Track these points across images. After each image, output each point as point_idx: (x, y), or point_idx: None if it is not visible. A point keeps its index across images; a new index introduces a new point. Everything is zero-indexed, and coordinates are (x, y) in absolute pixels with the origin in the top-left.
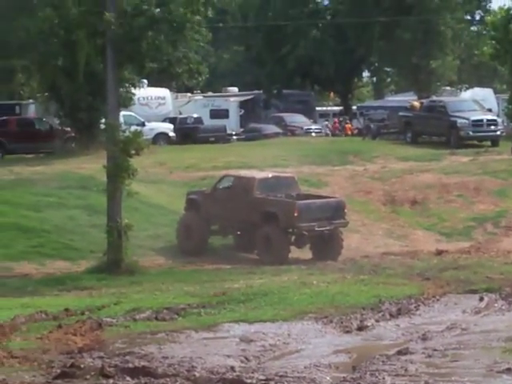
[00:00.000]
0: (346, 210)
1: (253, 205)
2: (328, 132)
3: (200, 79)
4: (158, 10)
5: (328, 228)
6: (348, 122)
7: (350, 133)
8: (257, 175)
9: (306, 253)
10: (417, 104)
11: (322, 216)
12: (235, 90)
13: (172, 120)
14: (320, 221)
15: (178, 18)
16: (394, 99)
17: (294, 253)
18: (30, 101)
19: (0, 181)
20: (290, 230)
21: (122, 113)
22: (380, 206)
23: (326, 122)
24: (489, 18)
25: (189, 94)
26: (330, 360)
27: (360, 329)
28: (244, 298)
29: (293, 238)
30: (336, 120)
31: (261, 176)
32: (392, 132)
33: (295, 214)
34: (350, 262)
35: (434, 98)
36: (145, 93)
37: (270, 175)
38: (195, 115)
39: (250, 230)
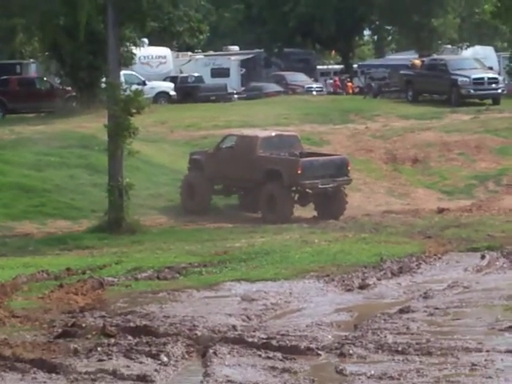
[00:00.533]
0: (349, 168)
1: (256, 163)
2: (330, 90)
3: (201, 38)
4: None
5: (331, 185)
6: (349, 80)
7: (351, 91)
8: (260, 134)
9: (307, 211)
10: (418, 62)
11: (326, 173)
12: (236, 48)
13: (173, 79)
14: (323, 178)
15: None
16: (395, 58)
17: (296, 211)
18: (31, 60)
19: (1, 140)
20: (294, 188)
21: (123, 72)
22: (381, 164)
23: (330, 81)
24: None
25: (189, 53)
26: (332, 318)
27: (361, 287)
28: (245, 256)
29: (296, 196)
30: (337, 78)
31: (264, 134)
32: (393, 90)
33: (298, 172)
34: (352, 220)
35: (435, 56)
36: (146, 52)
37: (273, 134)
38: (196, 74)
39: (254, 189)
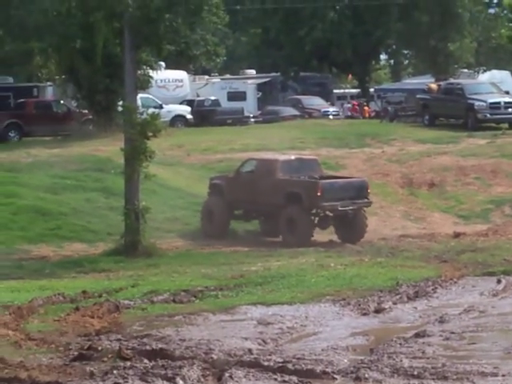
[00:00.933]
0: (369, 191)
1: (276, 186)
2: (349, 114)
3: (217, 61)
4: None
5: (351, 208)
6: (366, 104)
7: (367, 115)
8: (280, 157)
9: (324, 235)
10: (434, 86)
11: (345, 196)
12: (253, 72)
13: (189, 102)
14: (343, 201)
15: (196, 1)
16: (412, 82)
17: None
18: (48, 83)
19: (18, 163)
20: (314, 211)
21: (140, 95)
22: (398, 188)
23: (348, 105)
24: (506, 0)
25: (206, 77)
26: (348, 342)
27: (377, 311)
28: (261, 280)
29: (316, 219)
30: (355, 102)
31: (284, 158)
32: (409, 114)
33: (318, 194)
34: (368, 244)
35: (452, 80)
36: (162, 75)
37: (293, 157)
38: (213, 97)
39: (274, 213)
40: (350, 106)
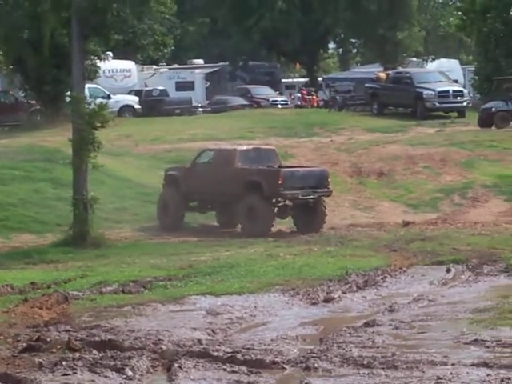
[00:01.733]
0: (329, 180)
1: (235, 176)
2: (298, 103)
3: (165, 51)
4: None
5: (312, 197)
6: (314, 93)
7: (316, 104)
8: (238, 147)
9: (275, 225)
10: (383, 75)
11: (306, 185)
12: (201, 62)
13: (137, 92)
14: (303, 189)
15: None
16: (360, 70)
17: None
18: None
19: None
20: (274, 200)
21: (88, 85)
22: (346, 177)
23: (298, 94)
24: None
25: (154, 67)
26: (297, 332)
27: (327, 301)
28: (210, 270)
29: (275, 209)
30: (304, 91)
31: (242, 148)
32: (358, 103)
33: (279, 182)
34: (317, 233)
35: (400, 69)
36: (110, 65)
37: (251, 147)
38: (161, 87)
39: (233, 202)
40: (299, 95)
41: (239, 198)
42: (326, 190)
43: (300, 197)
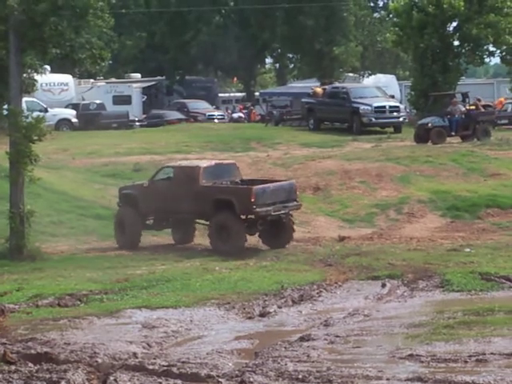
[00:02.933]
0: (297, 193)
1: (200, 194)
2: (237, 117)
3: (103, 65)
4: None
5: (283, 212)
6: (253, 108)
7: (253, 119)
8: (201, 164)
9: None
10: (319, 90)
11: (277, 200)
12: (138, 76)
13: (75, 106)
14: (275, 205)
15: (81, 4)
16: (297, 85)
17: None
18: None
19: None
20: (243, 217)
21: (25, 99)
22: None
23: (239, 113)
24: (392, 4)
25: (91, 80)
26: (233, 346)
27: (262, 315)
28: (146, 284)
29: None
30: (241, 106)
31: (205, 164)
32: (295, 118)
33: (252, 200)
34: (253, 247)
35: (337, 84)
36: (48, 79)
37: (213, 163)
38: (98, 101)
39: (188, 221)
40: (239, 112)
41: (206, 216)
42: (295, 203)
43: (272, 213)
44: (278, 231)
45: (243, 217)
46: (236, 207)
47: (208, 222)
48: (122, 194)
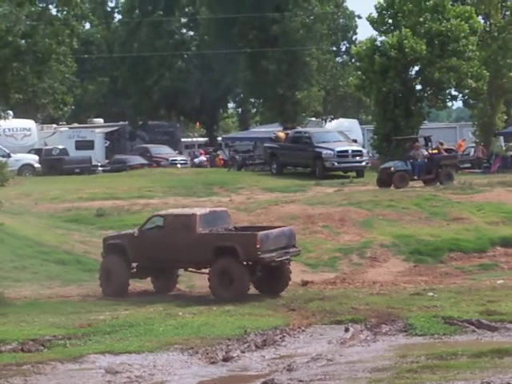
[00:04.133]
0: (296, 239)
1: (198, 242)
2: (198, 162)
3: (65, 110)
4: (23, 41)
5: (286, 258)
6: (218, 153)
7: (219, 164)
8: (196, 211)
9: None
10: (282, 135)
11: (278, 246)
12: (100, 121)
13: (37, 151)
14: (277, 251)
15: (44, 49)
16: (260, 130)
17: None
18: None
19: None
20: (245, 263)
21: None
22: None
23: (202, 157)
24: (354, 48)
25: (54, 126)
26: None
27: (225, 360)
28: (110, 329)
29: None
30: (202, 151)
31: (200, 212)
32: (257, 163)
33: (257, 246)
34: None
35: (300, 128)
36: (10, 124)
37: (208, 210)
38: (60, 146)
39: (166, 269)
40: (203, 157)
41: (203, 264)
42: (296, 249)
43: (276, 259)
44: (274, 277)
45: (248, 264)
46: (240, 254)
47: (198, 270)
48: (108, 245)
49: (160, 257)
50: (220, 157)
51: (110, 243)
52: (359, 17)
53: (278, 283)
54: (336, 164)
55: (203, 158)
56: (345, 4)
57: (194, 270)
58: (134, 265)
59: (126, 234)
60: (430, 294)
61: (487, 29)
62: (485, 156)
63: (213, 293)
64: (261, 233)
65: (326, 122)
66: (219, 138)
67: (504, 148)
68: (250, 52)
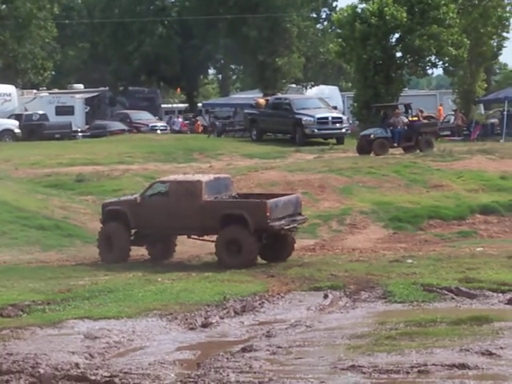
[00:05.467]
0: (302, 206)
1: (204, 209)
2: (177, 129)
3: (46, 75)
4: (4, 6)
5: (293, 225)
6: (197, 119)
7: (199, 130)
8: (202, 178)
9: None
10: (262, 101)
11: (286, 214)
12: (81, 86)
13: (17, 117)
14: (284, 219)
15: (24, 14)
16: (240, 96)
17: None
18: None
19: None
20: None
21: None
22: None
23: (180, 120)
24: (335, 15)
25: (34, 91)
26: (175, 357)
27: (204, 326)
28: (89, 294)
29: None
30: (180, 117)
31: (206, 179)
32: (237, 129)
33: (267, 214)
34: (195, 258)
35: (280, 95)
36: None
37: (213, 177)
38: (41, 112)
39: (174, 235)
40: (181, 120)
41: (209, 232)
42: (302, 217)
43: (285, 227)
44: (278, 245)
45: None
46: (249, 222)
47: (199, 237)
48: (108, 211)
49: (163, 224)
50: (199, 123)
51: (110, 209)
52: None
53: (282, 251)
54: (316, 131)
55: (179, 120)
56: None
57: (196, 237)
58: (132, 231)
59: (127, 200)
60: (409, 261)
61: None
62: (465, 124)
63: (219, 260)
64: (270, 201)
65: (306, 88)
66: (199, 105)
67: (484, 115)
68: (230, 18)
